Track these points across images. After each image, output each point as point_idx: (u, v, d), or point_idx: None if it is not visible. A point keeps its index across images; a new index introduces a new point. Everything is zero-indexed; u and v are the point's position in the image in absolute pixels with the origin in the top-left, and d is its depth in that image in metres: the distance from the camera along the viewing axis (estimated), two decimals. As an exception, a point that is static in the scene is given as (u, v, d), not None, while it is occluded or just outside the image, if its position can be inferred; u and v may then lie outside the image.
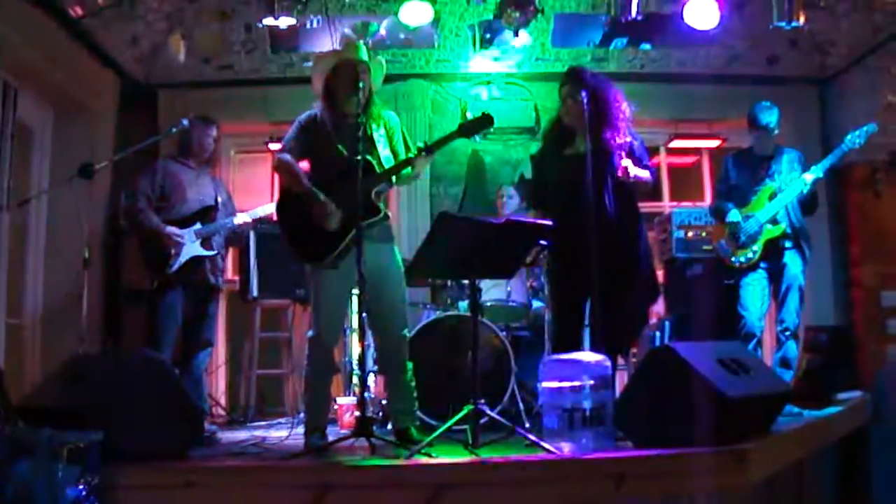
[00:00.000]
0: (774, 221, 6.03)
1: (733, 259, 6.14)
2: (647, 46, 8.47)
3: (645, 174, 5.17)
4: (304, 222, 4.86)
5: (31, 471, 3.31)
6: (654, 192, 8.42)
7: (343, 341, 6.97)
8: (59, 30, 6.87)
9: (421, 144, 4.89)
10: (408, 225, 8.25)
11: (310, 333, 4.91)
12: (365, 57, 5.00)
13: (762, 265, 6.08)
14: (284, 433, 5.60)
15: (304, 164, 5.05)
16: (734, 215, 6.13)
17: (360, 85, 4.82)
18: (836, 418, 5.50)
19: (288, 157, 4.99)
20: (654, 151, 8.75)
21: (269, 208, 6.11)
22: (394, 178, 4.91)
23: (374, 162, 4.81)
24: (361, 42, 5.11)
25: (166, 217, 5.98)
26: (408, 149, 5.04)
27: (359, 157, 4.60)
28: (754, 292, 6.08)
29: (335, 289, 4.88)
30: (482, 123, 4.80)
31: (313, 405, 4.94)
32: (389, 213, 4.92)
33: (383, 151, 4.93)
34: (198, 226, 6.04)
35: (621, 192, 5.15)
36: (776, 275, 6.09)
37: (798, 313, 6.08)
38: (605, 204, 5.05)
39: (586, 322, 5.37)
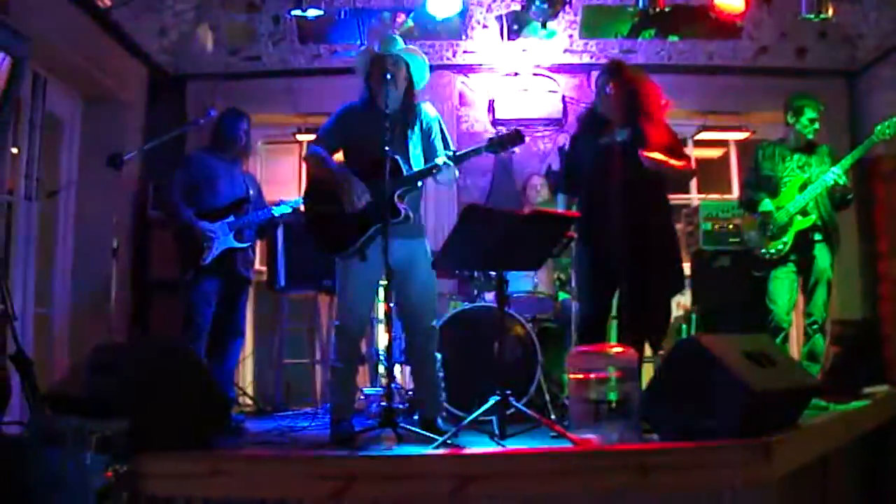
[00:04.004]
0: (805, 213, 6.00)
1: (763, 251, 6.12)
2: (675, 38, 8.43)
3: (679, 163, 5.16)
4: (329, 212, 4.87)
5: (60, 459, 3.35)
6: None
7: (370, 332, 6.99)
8: (87, 20, 6.89)
9: (449, 153, 4.90)
10: (435, 217, 8.21)
11: (336, 323, 4.93)
12: (394, 50, 4.97)
13: (791, 257, 6.06)
14: (311, 423, 5.63)
15: (339, 156, 5.05)
16: (766, 205, 6.10)
17: (388, 77, 4.82)
18: (863, 412, 5.46)
19: (318, 148, 4.99)
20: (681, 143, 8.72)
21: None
22: (419, 182, 4.92)
23: (402, 161, 4.81)
24: (391, 34, 5.09)
25: (199, 209, 6.03)
26: (446, 146, 5.03)
27: (387, 154, 4.63)
28: (783, 285, 6.06)
29: (361, 279, 4.88)
30: (512, 140, 4.86)
31: (339, 395, 4.95)
32: (412, 215, 4.87)
33: (414, 150, 4.93)
34: (231, 218, 6.08)
35: (651, 183, 5.14)
36: (805, 268, 6.06)
37: (826, 307, 6.06)
38: (633, 194, 5.02)
39: (613, 314, 5.38)
